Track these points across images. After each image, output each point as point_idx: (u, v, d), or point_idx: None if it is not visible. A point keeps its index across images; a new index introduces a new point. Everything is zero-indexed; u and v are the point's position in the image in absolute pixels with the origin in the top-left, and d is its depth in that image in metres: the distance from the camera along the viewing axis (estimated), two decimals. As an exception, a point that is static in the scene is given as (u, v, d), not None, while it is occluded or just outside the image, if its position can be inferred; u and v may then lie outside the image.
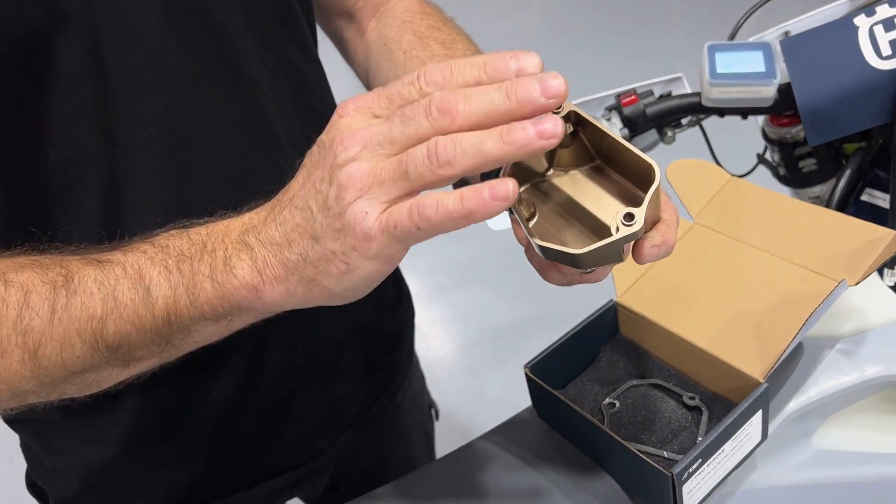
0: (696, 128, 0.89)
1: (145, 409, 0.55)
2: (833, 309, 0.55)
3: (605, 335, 0.60)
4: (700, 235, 0.60)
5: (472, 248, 1.95)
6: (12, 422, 0.58)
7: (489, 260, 1.93)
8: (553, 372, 0.56)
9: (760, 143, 0.89)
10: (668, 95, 0.83)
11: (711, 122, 0.88)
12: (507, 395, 1.44)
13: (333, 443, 0.67)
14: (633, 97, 0.80)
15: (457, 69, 0.33)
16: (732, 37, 0.88)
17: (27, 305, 0.37)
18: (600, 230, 0.39)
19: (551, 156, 0.42)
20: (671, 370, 0.57)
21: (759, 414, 0.50)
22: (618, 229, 0.36)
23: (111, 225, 0.47)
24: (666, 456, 0.50)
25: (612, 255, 0.37)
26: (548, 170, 0.42)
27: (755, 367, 0.50)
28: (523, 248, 0.42)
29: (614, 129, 0.81)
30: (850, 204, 0.79)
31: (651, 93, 0.82)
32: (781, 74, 0.75)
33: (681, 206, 0.62)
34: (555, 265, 0.40)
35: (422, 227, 0.32)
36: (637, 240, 0.38)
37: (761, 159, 0.91)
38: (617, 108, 0.81)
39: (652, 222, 0.39)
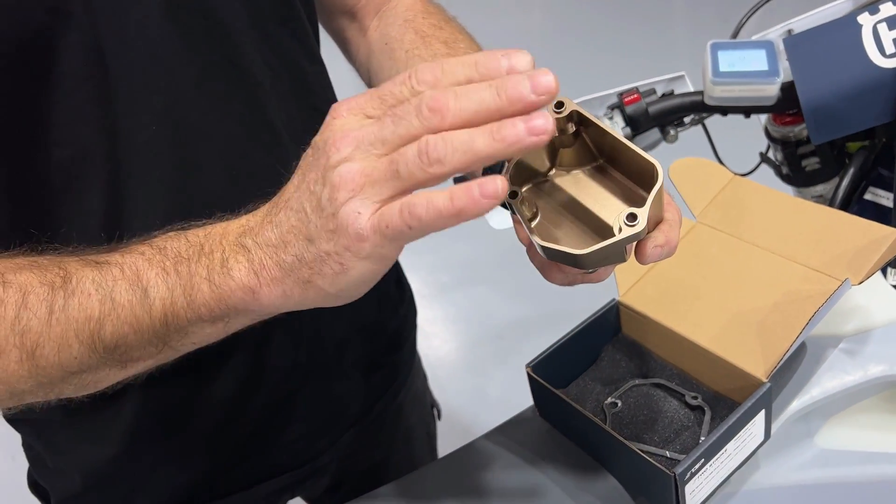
0: (699, 126, 0.89)
1: (147, 408, 0.55)
2: (836, 308, 0.55)
3: (608, 334, 0.60)
4: (703, 234, 0.60)
5: (474, 248, 1.95)
6: (14, 421, 0.58)
7: (491, 259, 1.93)
8: (555, 371, 0.55)
9: (763, 142, 0.89)
10: (671, 94, 0.82)
11: (714, 121, 0.88)
12: (508, 395, 1.44)
13: (335, 442, 0.67)
14: (635, 96, 0.80)
15: (448, 68, 0.33)
16: (735, 35, 0.87)
17: (25, 306, 0.37)
18: (603, 230, 0.39)
19: (553, 155, 0.42)
20: (673, 369, 0.57)
21: (762, 413, 0.50)
22: (620, 229, 0.36)
23: (113, 224, 0.47)
24: (668, 456, 0.50)
25: (615, 255, 0.37)
26: (550, 169, 0.42)
27: (758, 366, 0.50)
28: (525, 248, 0.41)
29: (616, 127, 0.81)
30: (853, 203, 0.79)
31: (653, 91, 0.82)
32: (784, 73, 0.74)
33: (683, 204, 0.62)
34: (557, 265, 0.40)
35: (413, 227, 0.32)
36: (640, 240, 0.38)
37: (764, 158, 0.91)
38: (619, 106, 0.81)
39: (655, 222, 0.38)
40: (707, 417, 0.53)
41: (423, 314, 0.80)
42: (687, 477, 0.47)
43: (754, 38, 0.81)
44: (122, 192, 0.47)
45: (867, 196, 0.78)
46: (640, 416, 0.53)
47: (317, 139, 0.35)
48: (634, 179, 0.40)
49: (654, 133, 0.84)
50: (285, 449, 0.63)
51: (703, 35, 0.92)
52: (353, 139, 0.33)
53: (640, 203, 0.36)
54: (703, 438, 0.51)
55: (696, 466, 0.47)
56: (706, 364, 0.54)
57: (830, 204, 0.79)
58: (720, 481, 0.51)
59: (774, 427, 0.53)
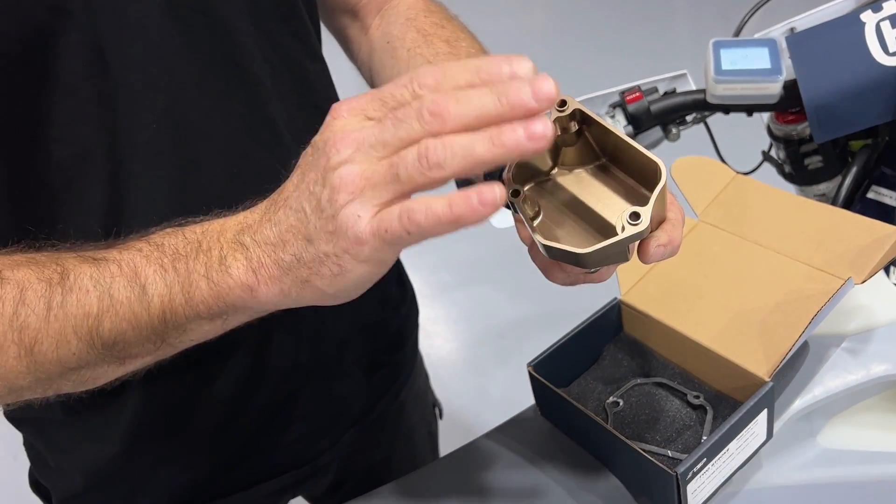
0: (701, 125, 0.88)
1: (148, 407, 0.55)
2: (839, 307, 0.54)
3: (609, 333, 0.60)
4: (705, 233, 0.60)
5: (476, 247, 1.95)
6: (15, 420, 0.58)
7: (493, 258, 1.92)
8: (556, 370, 0.55)
9: (765, 141, 0.88)
10: (673, 92, 0.82)
11: (716, 119, 0.88)
12: (510, 394, 1.44)
13: (337, 441, 0.67)
14: (637, 94, 0.80)
15: (450, 72, 0.33)
16: (737, 33, 0.87)
17: (23, 302, 0.37)
18: (605, 229, 0.39)
19: (556, 154, 0.41)
20: (675, 369, 0.57)
21: (765, 413, 0.50)
22: (623, 228, 0.35)
23: (113, 222, 0.47)
24: (670, 455, 0.50)
25: (618, 254, 0.37)
26: (552, 168, 0.42)
27: (760, 365, 0.50)
28: (527, 247, 0.41)
29: (618, 126, 0.81)
30: (856, 201, 0.79)
31: (655, 90, 0.82)
32: (787, 71, 0.74)
33: (685, 203, 0.61)
34: (559, 264, 0.40)
35: (412, 232, 0.32)
36: (642, 239, 0.37)
37: (766, 157, 0.91)
38: (621, 105, 0.81)
39: (657, 221, 0.38)
40: (709, 417, 0.52)
41: (425, 313, 0.80)
42: (689, 476, 0.46)
43: (757, 36, 0.81)
44: (123, 191, 0.47)
45: (870, 195, 0.78)
46: (642, 416, 0.53)
47: (317, 139, 0.35)
48: (637, 178, 0.40)
49: (656, 131, 0.84)
50: (286, 448, 0.63)
51: (705, 33, 0.91)
52: (353, 140, 0.33)
53: (643, 202, 0.36)
54: (704, 438, 0.51)
55: (698, 466, 0.47)
56: (708, 363, 0.54)
57: (833, 202, 0.78)
58: (722, 481, 0.51)
59: (777, 426, 0.53)
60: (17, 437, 0.61)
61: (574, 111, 0.39)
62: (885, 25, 0.69)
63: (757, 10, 0.88)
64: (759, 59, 0.75)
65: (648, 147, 0.84)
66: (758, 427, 0.50)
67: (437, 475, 0.58)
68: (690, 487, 0.47)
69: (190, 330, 0.39)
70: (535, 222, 0.40)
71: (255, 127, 0.52)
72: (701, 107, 0.80)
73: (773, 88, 0.74)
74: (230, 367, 0.56)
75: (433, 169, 0.31)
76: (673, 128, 0.84)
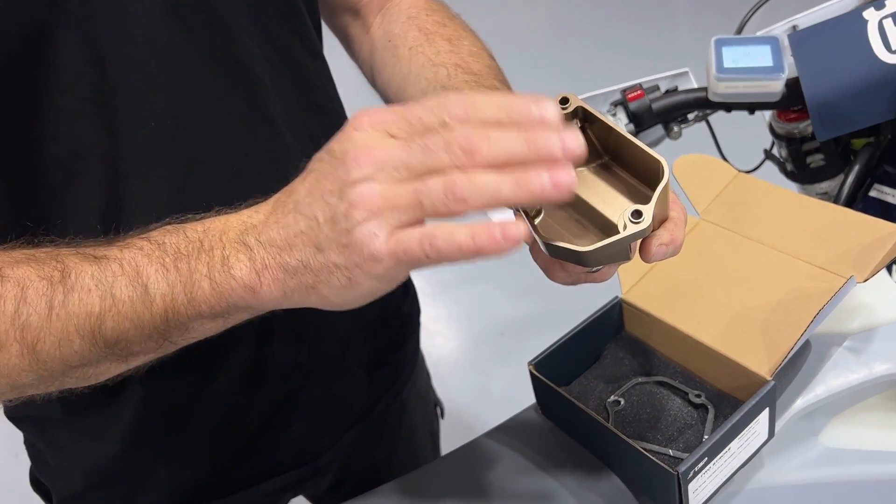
0: (703, 123, 0.88)
1: (148, 406, 0.55)
2: (841, 306, 0.54)
3: (610, 332, 0.60)
4: (706, 231, 0.59)
5: (477, 245, 1.95)
6: (16, 419, 0.58)
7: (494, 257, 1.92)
8: (557, 369, 0.55)
9: (767, 139, 0.88)
10: (674, 90, 0.82)
11: (718, 118, 0.88)
12: (511, 393, 1.44)
13: (338, 441, 0.67)
14: (638, 92, 0.80)
15: (480, 105, 0.33)
16: (740, 31, 0.87)
17: (24, 301, 0.37)
18: (607, 228, 0.39)
19: None
20: (677, 367, 0.57)
21: (766, 412, 0.50)
22: (625, 227, 0.35)
23: (112, 220, 0.47)
24: (671, 454, 0.50)
25: (619, 253, 0.37)
26: None
27: (762, 364, 0.50)
28: (528, 246, 0.41)
29: (620, 124, 0.81)
30: (858, 200, 0.79)
31: (657, 88, 0.82)
32: (789, 69, 0.74)
33: (687, 201, 0.61)
34: (560, 264, 0.40)
35: (431, 257, 0.33)
36: (644, 238, 0.37)
37: (768, 155, 0.91)
38: (622, 103, 0.81)
39: (660, 220, 0.38)
40: (710, 416, 0.52)
41: (427, 312, 0.80)
42: (690, 476, 0.46)
43: (759, 33, 0.80)
44: (121, 189, 0.47)
45: (872, 193, 0.78)
46: (643, 415, 0.53)
47: (334, 147, 0.35)
48: (639, 177, 0.40)
49: (658, 130, 0.84)
50: (287, 447, 0.63)
51: (707, 31, 0.91)
52: (375, 159, 0.33)
53: (645, 201, 0.36)
54: (706, 437, 0.51)
55: (700, 465, 0.47)
56: (710, 362, 0.53)
57: (835, 201, 0.78)
58: (723, 480, 0.51)
59: (778, 425, 0.53)
60: (18, 435, 0.61)
61: (576, 109, 0.39)
62: (888, 23, 0.69)
63: (759, 7, 0.88)
64: (761, 56, 0.75)
65: (650, 145, 0.83)
66: (759, 426, 0.50)
67: (438, 474, 0.58)
68: (692, 486, 0.47)
69: (192, 328, 0.39)
70: (537, 221, 0.40)
71: (255, 125, 0.51)
72: (703, 105, 0.80)
73: (775, 86, 0.74)
74: (230, 366, 0.56)
75: (457, 203, 0.32)
76: (674, 126, 0.84)
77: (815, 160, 0.84)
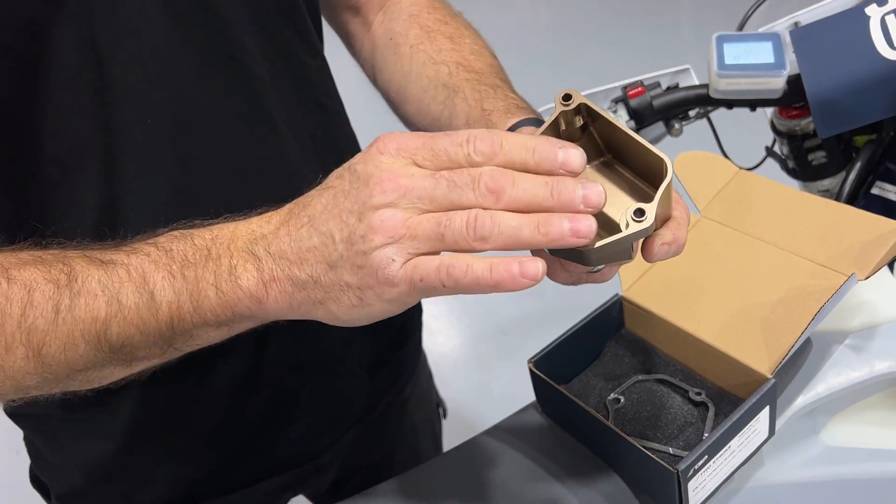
0: (704, 120, 0.88)
1: (147, 404, 0.55)
2: (842, 303, 0.54)
3: (611, 330, 0.60)
4: (707, 229, 0.59)
5: (479, 243, 1.94)
6: (15, 416, 0.58)
7: (495, 254, 1.92)
8: (558, 367, 0.55)
9: (769, 136, 0.88)
10: (676, 87, 0.82)
11: (719, 115, 0.87)
12: (512, 391, 1.44)
13: (338, 440, 0.67)
14: (639, 89, 0.80)
15: (507, 146, 0.34)
16: (741, 27, 0.87)
17: (31, 304, 0.37)
18: (609, 226, 0.38)
19: None
20: (677, 365, 0.56)
21: (767, 410, 0.50)
22: (627, 225, 0.35)
23: (110, 218, 0.47)
24: (671, 452, 0.50)
25: (621, 252, 0.36)
26: None
27: (763, 362, 0.50)
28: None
29: (621, 121, 0.80)
30: (860, 197, 0.78)
31: (658, 84, 0.81)
32: (791, 65, 0.74)
33: (688, 199, 0.61)
34: (561, 263, 0.40)
35: (447, 286, 0.33)
36: (646, 237, 0.37)
37: (770, 152, 0.90)
38: (623, 100, 0.80)
39: (662, 220, 0.38)
40: (711, 414, 0.52)
41: (428, 310, 0.80)
42: (690, 474, 0.46)
43: (760, 30, 0.80)
44: (119, 186, 0.47)
45: (874, 190, 0.78)
46: (643, 413, 0.53)
47: (358, 167, 0.35)
48: (642, 175, 0.40)
49: (659, 127, 0.84)
50: (288, 446, 0.63)
51: (708, 28, 0.91)
52: (400, 187, 0.34)
53: (647, 199, 0.36)
54: (706, 435, 0.50)
55: (700, 463, 0.47)
56: (710, 360, 0.53)
57: (837, 198, 0.78)
58: (724, 478, 0.50)
59: (779, 423, 0.52)
60: (19, 432, 0.61)
61: (579, 105, 0.38)
62: (891, 19, 0.69)
63: (761, 4, 0.88)
64: (762, 53, 0.74)
65: (651, 142, 0.83)
66: (760, 424, 0.50)
67: (438, 471, 0.58)
68: (691, 485, 0.47)
69: (197, 336, 0.39)
70: None
71: (254, 123, 0.51)
72: (704, 102, 0.80)
73: (777, 83, 0.74)
74: (230, 364, 0.56)
75: (478, 241, 0.33)
76: (675, 123, 0.83)
77: (817, 157, 0.83)
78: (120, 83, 0.45)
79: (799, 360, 0.55)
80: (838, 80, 0.70)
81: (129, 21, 0.44)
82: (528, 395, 0.60)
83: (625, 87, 0.80)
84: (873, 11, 0.70)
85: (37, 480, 0.64)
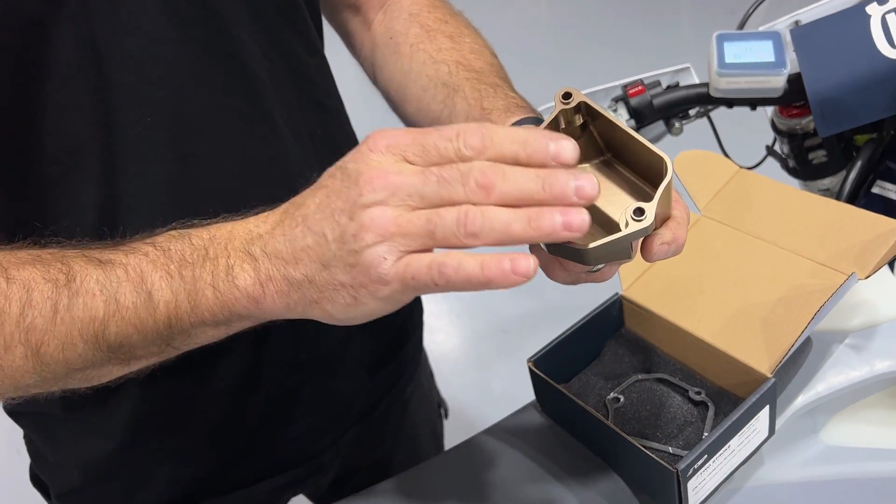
0: (704, 119, 0.88)
1: (146, 403, 0.55)
2: (842, 303, 0.54)
3: (611, 329, 0.60)
4: (707, 228, 0.59)
5: (479, 242, 1.94)
6: (15, 415, 0.58)
7: (495, 251, 1.92)
8: (557, 366, 0.55)
9: (769, 135, 0.88)
10: (676, 86, 0.82)
11: (719, 114, 0.87)
12: (513, 390, 1.44)
13: (339, 439, 0.67)
14: (639, 88, 0.79)
15: (497, 139, 0.34)
16: (741, 26, 0.87)
17: (30, 303, 0.37)
18: (609, 226, 0.38)
19: None
20: (677, 364, 0.56)
21: (767, 409, 0.50)
22: (627, 224, 0.35)
23: (109, 216, 0.47)
24: (671, 451, 0.50)
25: (621, 251, 0.36)
26: None
27: (763, 361, 0.50)
28: (528, 245, 0.41)
29: (621, 120, 0.80)
30: (860, 196, 0.78)
31: (658, 83, 0.81)
32: (791, 64, 0.74)
33: (688, 197, 0.61)
34: (560, 262, 0.40)
35: (439, 284, 0.33)
36: (646, 237, 0.37)
37: (770, 151, 0.90)
38: (623, 98, 0.80)
39: (662, 219, 0.38)
40: (711, 413, 0.52)
41: (428, 309, 0.80)
42: (689, 473, 0.46)
43: (761, 29, 0.80)
44: (118, 185, 0.47)
45: (875, 189, 0.78)
46: (643, 412, 0.53)
47: (349, 165, 0.35)
48: (642, 174, 0.40)
49: (659, 126, 0.84)
50: (287, 446, 0.63)
51: (708, 27, 0.91)
52: (390, 184, 0.33)
53: (647, 199, 0.36)
54: (706, 434, 0.50)
55: (699, 463, 0.47)
56: (710, 359, 0.53)
57: (837, 197, 0.78)
58: (724, 478, 0.50)
59: (779, 423, 0.52)
60: (20, 431, 0.61)
61: (579, 104, 0.38)
62: (891, 18, 0.68)
63: (761, 2, 0.88)
64: (763, 52, 0.74)
65: (651, 141, 0.83)
66: (760, 423, 0.50)
67: (438, 470, 0.58)
68: (691, 484, 0.47)
69: (195, 335, 0.39)
70: None
71: (253, 122, 0.51)
72: (704, 101, 0.79)
73: (777, 82, 0.74)
74: (230, 363, 0.56)
75: (468, 237, 0.32)
76: (676, 122, 0.83)
77: (818, 156, 0.83)
78: (119, 82, 0.45)
79: (799, 360, 0.55)
80: (839, 78, 0.70)
81: (129, 20, 0.44)
82: (527, 395, 0.60)
83: (625, 86, 0.80)
84: (874, 10, 0.70)
85: (37, 479, 0.64)
